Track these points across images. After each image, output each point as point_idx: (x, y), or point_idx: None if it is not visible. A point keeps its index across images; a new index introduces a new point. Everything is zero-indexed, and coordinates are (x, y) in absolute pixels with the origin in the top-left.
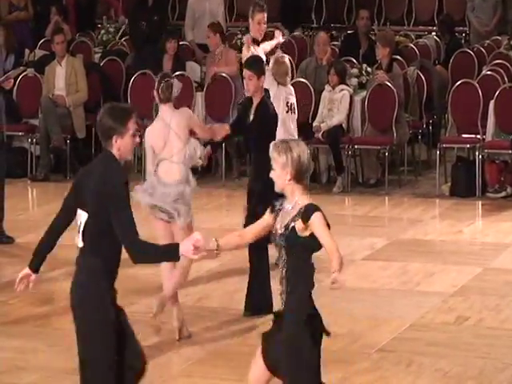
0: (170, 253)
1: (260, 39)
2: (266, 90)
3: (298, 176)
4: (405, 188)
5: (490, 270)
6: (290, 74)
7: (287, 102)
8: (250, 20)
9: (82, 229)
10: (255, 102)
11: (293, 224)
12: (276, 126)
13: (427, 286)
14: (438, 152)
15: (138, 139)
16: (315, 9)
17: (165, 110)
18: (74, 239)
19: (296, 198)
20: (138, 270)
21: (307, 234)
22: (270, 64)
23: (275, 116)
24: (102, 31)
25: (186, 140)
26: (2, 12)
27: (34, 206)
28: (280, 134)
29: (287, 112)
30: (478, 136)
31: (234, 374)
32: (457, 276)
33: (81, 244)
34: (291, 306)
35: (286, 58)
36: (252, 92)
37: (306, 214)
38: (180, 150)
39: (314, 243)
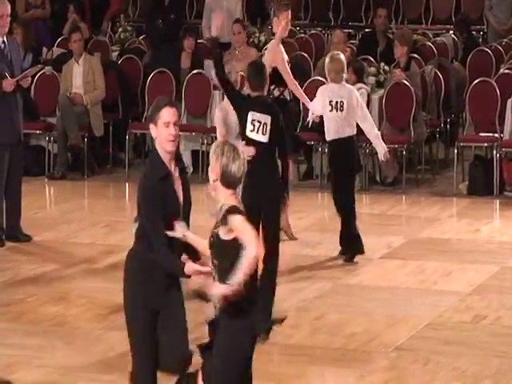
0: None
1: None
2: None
3: (224, 181)
4: (422, 187)
5: (507, 269)
6: (345, 71)
7: (330, 101)
8: (276, 19)
9: None
10: None
11: (216, 230)
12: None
13: (444, 285)
14: (455, 151)
15: (172, 130)
16: (333, 7)
17: None
18: (90, 238)
19: (222, 201)
20: None
21: (231, 237)
22: (326, 60)
23: (281, 121)
24: (120, 29)
25: None
26: (18, 10)
27: (51, 204)
28: (330, 133)
29: (330, 111)
30: (496, 135)
31: None
32: (474, 275)
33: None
34: (223, 313)
35: (341, 55)
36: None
37: (226, 217)
38: None
39: (239, 246)
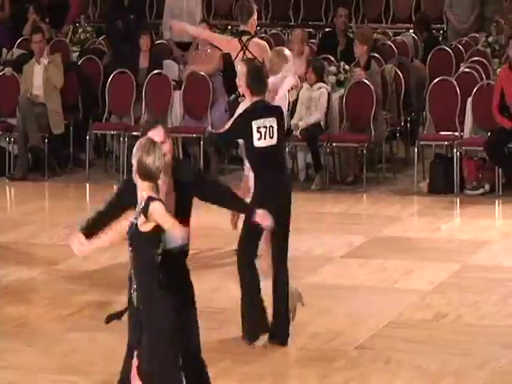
0: None
1: None
2: None
3: (141, 174)
4: (383, 185)
5: (467, 267)
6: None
7: None
8: (252, 18)
9: None
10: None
11: (135, 221)
12: None
13: (405, 283)
14: (416, 149)
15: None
16: (293, 6)
17: None
18: (51, 239)
19: (143, 194)
20: None
21: (149, 228)
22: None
23: None
24: (80, 30)
25: None
26: None
27: (11, 205)
28: None
29: None
30: (456, 133)
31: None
32: (435, 273)
33: None
34: (140, 303)
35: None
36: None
37: (146, 206)
38: None
39: (156, 237)
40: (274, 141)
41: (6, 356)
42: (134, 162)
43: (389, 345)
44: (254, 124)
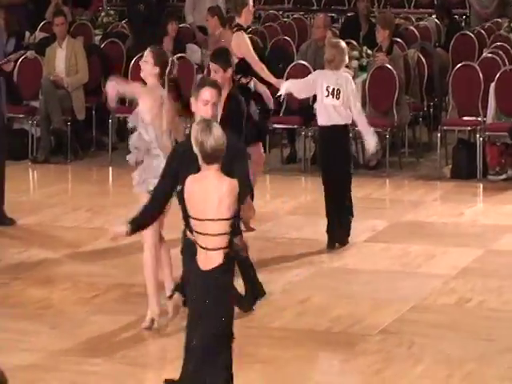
0: None
1: None
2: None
3: (205, 158)
4: (406, 170)
5: (491, 252)
6: (345, 60)
7: (327, 87)
8: (247, 8)
9: None
10: (223, 95)
11: None
12: (244, 120)
13: (428, 268)
14: (438, 134)
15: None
16: None
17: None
18: (73, 221)
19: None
20: None
21: None
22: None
23: (244, 109)
24: (103, 13)
25: (171, 124)
26: None
27: (34, 188)
28: (322, 120)
29: (326, 96)
30: (479, 118)
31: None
32: (458, 258)
33: None
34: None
35: (342, 43)
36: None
37: None
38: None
39: None
40: None
41: (29, 338)
42: (196, 148)
43: (412, 329)
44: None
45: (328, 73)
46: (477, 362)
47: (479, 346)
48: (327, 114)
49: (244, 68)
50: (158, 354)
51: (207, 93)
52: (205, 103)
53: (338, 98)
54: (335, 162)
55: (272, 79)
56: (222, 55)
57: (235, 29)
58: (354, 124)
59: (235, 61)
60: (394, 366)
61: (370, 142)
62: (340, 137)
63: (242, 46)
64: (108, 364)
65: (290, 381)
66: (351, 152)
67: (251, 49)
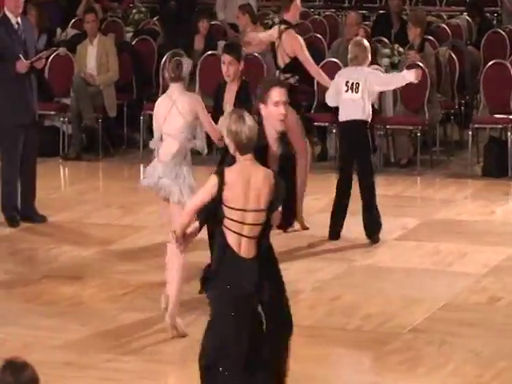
0: None
1: None
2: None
3: (240, 149)
4: (437, 168)
5: None
6: (367, 57)
7: (346, 82)
8: (294, 4)
9: None
10: (234, 86)
11: None
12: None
13: (460, 267)
14: (470, 132)
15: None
16: None
17: (174, 89)
18: (105, 219)
19: None
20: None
21: None
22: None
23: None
24: (134, 10)
25: (190, 122)
26: None
27: (65, 185)
28: (342, 116)
29: (346, 91)
30: (511, 116)
31: None
32: (489, 256)
33: None
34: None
35: (364, 40)
36: (233, 77)
37: None
38: (179, 129)
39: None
40: None
41: (60, 335)
42: (230, 139)
43: (443, 328)
44: None
45: (350, 69)
46: (508, 361)
47: (510, 345)
48: (346, 109)
49: (294, 67)
50: (189, 351)
51: (276, 92)
52: (276, 104)
53: (356, 92)
54: (354, 158)
55: (327, 82)
56: (236, 47)
57: (283, 26)
58: (386, 121)
59: (287, 60)
60: (425, 365)
61: (410, 74)
62: (358, 133)
63: (295, 44)
64: (138, 361)
65: (321, 379)
66: (370, 149)
67: (305, 48)
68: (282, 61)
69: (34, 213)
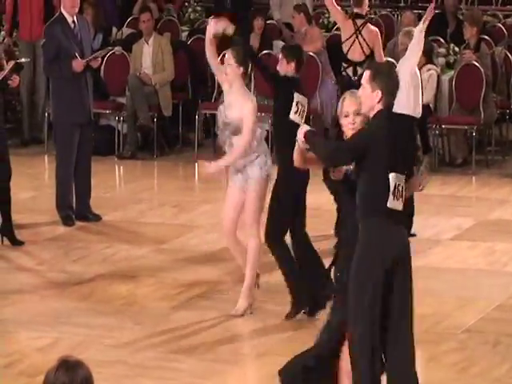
0: None
1: None
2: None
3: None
4: (492, 168)
5: None
6: None
7: None
8: (365, 2)
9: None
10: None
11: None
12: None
13: None
14: None
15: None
16: None
17: None
18: (159, 218)
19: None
20: None
21: None
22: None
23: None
24: (190, 9)
25: None
26: None
27: (120, 183)
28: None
29: None
30: None
31: None
32: None
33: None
34: None
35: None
36: None
37: None
38: None
39: None
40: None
41: (114, 334)
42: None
43: (497, 328)
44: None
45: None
46: None
47: None
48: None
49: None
50: (243, 350)
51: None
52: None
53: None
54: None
55: None
56: (296, 49)
57: (361, 20)
58: (441, 121)
59: (367, 52)
60: (479, 365)
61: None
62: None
63: (376, 39)
64: (192, 360)
65: None
66: (417, 145)
67: (381, 43)
68: (360, 54)
69: (89, 212)
